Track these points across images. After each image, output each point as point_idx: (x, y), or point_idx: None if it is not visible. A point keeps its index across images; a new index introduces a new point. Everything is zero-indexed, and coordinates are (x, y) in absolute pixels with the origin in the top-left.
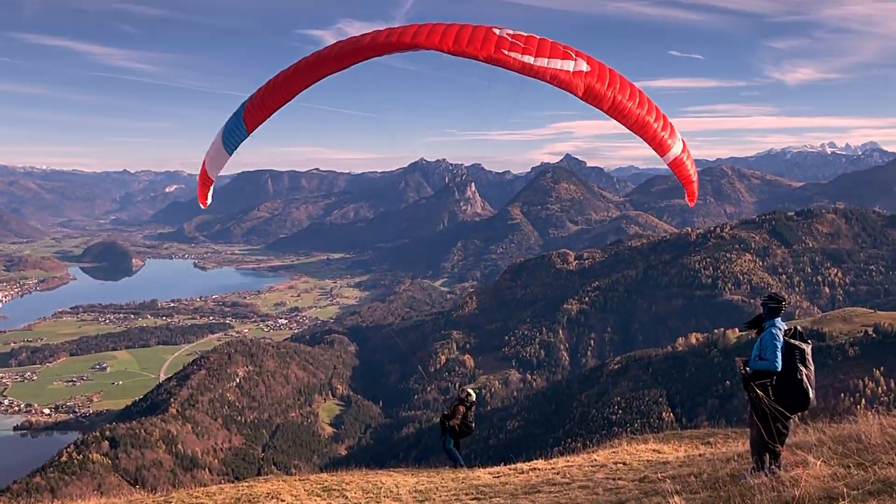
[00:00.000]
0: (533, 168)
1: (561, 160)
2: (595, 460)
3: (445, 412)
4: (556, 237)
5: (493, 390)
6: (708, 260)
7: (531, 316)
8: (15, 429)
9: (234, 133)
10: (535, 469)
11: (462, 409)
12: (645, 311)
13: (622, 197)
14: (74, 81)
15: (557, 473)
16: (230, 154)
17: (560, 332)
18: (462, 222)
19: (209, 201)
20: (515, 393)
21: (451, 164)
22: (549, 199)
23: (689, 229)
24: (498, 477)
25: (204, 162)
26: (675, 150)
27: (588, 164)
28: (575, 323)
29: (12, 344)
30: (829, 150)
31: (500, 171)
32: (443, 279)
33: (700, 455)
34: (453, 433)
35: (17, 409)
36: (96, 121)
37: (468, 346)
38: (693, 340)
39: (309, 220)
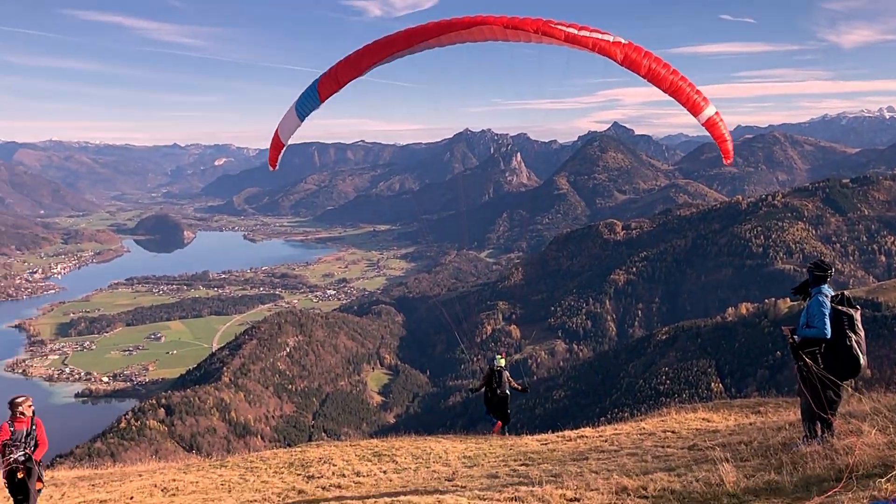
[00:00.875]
0: (580, 137)
1: (608, 129)
2: (643, 429)
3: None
4: (604, 207)
5: (539, 361)
6: (759, 229)
7: (577, 286)
8: (76, 396)
9: (307, 102)
10: (582, 437)
11: (490, 378)
12: (694, 280)
13: (671, 165)
14: (126, 57)
15: (605, 441)
16: (301, 121)
17: (607, 302)
18: (507, 193)
19: (277, 166)
20: (562, 363)
21: (497, 135)
22: (596, 168)
23: (740, 198)
24: (546, 444)
25: (277, 128)
26: (709, 111)
27: (636, 133)
28: (622, 293)
29: (71, 314)
30: (887, 115)
31: (546, 141)
32: (488, 250)
33: (750, 424)
34: (486, 401)
35: (77, 377)
36: (147, 95)
37: (514, 316)
38: (743, 310)
39: (355, 192)
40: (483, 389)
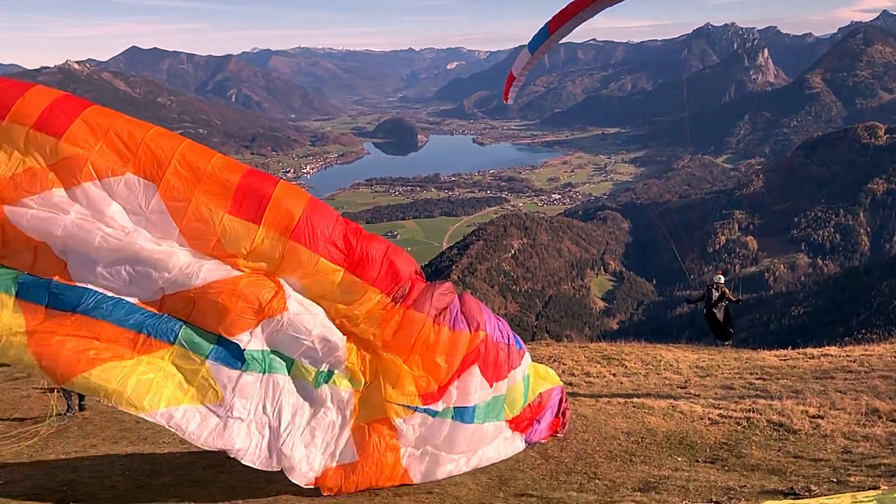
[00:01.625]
0: (840, 29)
1: (876, 18)
2: None
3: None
4: (864, 108)
5: (777, 274)
6: None
7: (826, 196)
8: None
9: (538, 37)
10: (826, 355)
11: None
12: None
13: None
14: None
15: (853, 361)
16: (532, 54)
17: (861, 214)
18: (751, 92)
19: (510, 100)
20: (803, 278)
21: (742, 29)
22: (857, 63)
23: None
24: (785, 360)
25: (513, 66)
26: None
27: None
28: (880, 205)
29: None
30: None
31: (799, 35)
32: (726, 155)
33: None
34: (706, 317)
35: None
36: (388, 1)
37: (751, 226)
38: None
39: (584, 94)
40: (700, 305)
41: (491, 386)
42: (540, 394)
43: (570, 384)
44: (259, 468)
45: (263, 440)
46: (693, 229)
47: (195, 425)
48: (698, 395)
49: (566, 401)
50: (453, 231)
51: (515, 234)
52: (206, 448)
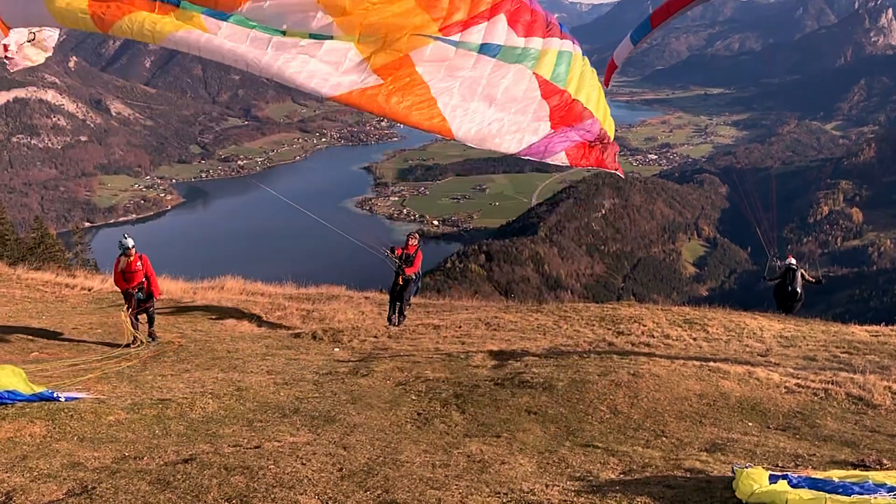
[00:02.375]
0: None
1: None
2: None
3: (769, 272)
4: None
5: (882, 249)
6: None
7: None
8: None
9: (641, 29)
10: None
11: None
12: None
13: None
14: None
15: None
16: (634, 46)
17: None
18: (870, 56)
19: (609, 85)
20: None
21: None
22: None
23: None
24: (876, 336)
25: (613, 54)
26: None
27: None
28: None
29: (410, 161)
30: None
31: None
32: (836, 122)
33: None
34: (775, 294)
35: (413, 218)
36: None
37: (858, 198)
38: None
39: (689, 52)
40: (777, 283)
41: (520, 36)
42: (578, 100)
43: (648, 345)
44: (257, 70)
45: (261, 53)
46: (773, 205)
47: (194, 38)
48: (778, 364)
49: (609, 140)
50: (543, 187)
51: (607, 194)
52: (208, 54)
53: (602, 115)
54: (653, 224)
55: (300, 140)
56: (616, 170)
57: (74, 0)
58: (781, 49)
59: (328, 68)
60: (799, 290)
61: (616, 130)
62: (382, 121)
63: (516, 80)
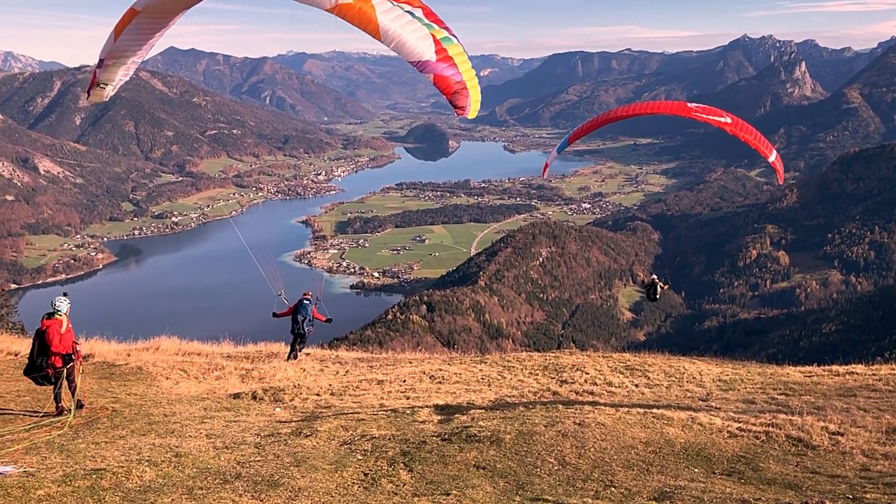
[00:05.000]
0: (880, 43)
1: None
2: None
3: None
4: None
5: (808, 290)
6: None
7: (862, 213)
8: (351, 287)
9: (563, 145)
10: (852, 373)
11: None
12: None
13: None
14: None
15: (879, 380)
16: (558, 153)
17: None
18: (787, 106)
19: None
20: (835, 295)
21: (779, 41)
22: None
23: None
24: (809, 376)
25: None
26: None
27: None
28: None
29: (349, 214)
30: None
31: (838, 49)
32: (760, 168)
33: None
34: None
35: (352, 270)
36: None
37: (783, 241)
38: None
39: (617, 104)
40: (648, 288)
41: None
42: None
43: (592, 393)
44: None
45: None
46: (723, 243)
47: None
48: (719, 408)
49: (466, 91)
50: (482, 237)
51: (544, 242)
52: None
53: (467, 76)
54: (589, 271)
55: (236, 195)
56: (461, 111)
57: None
58: (705, 100)
59: None
60: (658, 294)
61: (550, 181)
62: (320, 174)
63: (423, 31)
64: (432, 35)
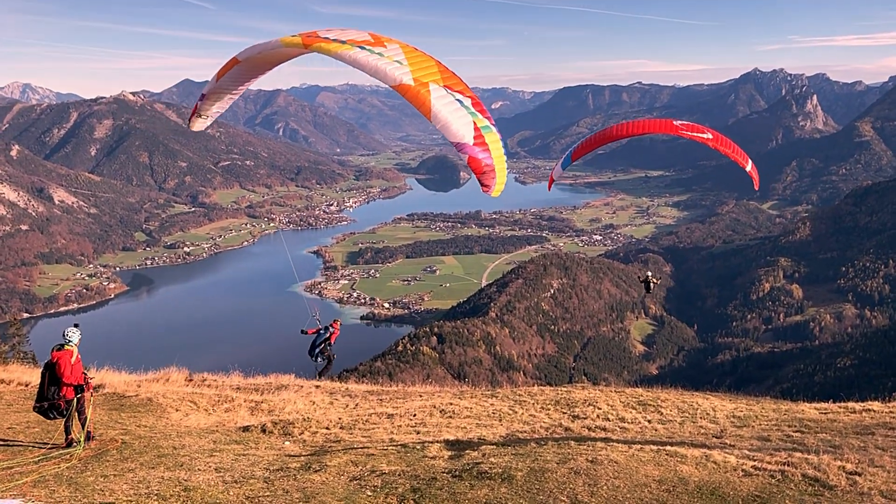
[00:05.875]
0: (891, 77)
1: None
2: None
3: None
4: None
5: (822, 324)
6: None
7: (876, 246)
8: (361, 318)
9: (566, 162)
10: (868, 410)
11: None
12: None
13: None
14: (419, 4)
15: None
16: (563, 170)
17: None
18: (799, 139)
19: (551, 189)
20: (850, 329)
21: (790, 75)
22: None
23: None
24: (825, 413)
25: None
26: None
27: None
28: None
29: (360, 244)
30: None
31: (849, 82)
32: (772, 201)
33: None
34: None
35: (363, 301)
36: (434, 41)
37: (797, 275)
38: None
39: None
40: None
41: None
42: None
43: (605, 429)
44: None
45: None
46: (736, 276)
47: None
48: (733, 446)
49: (493, 174)
50: (493, 268)
51: (555, 274)
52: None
53: (497, 162)
54: (601, 303)
55: (248, 225)
56: (486, 189)
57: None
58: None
59: (399, 70)
60: (652, 287)
61: (561, 212)
62: (332, 205)
63: (467, 118)
64: (474, 122)
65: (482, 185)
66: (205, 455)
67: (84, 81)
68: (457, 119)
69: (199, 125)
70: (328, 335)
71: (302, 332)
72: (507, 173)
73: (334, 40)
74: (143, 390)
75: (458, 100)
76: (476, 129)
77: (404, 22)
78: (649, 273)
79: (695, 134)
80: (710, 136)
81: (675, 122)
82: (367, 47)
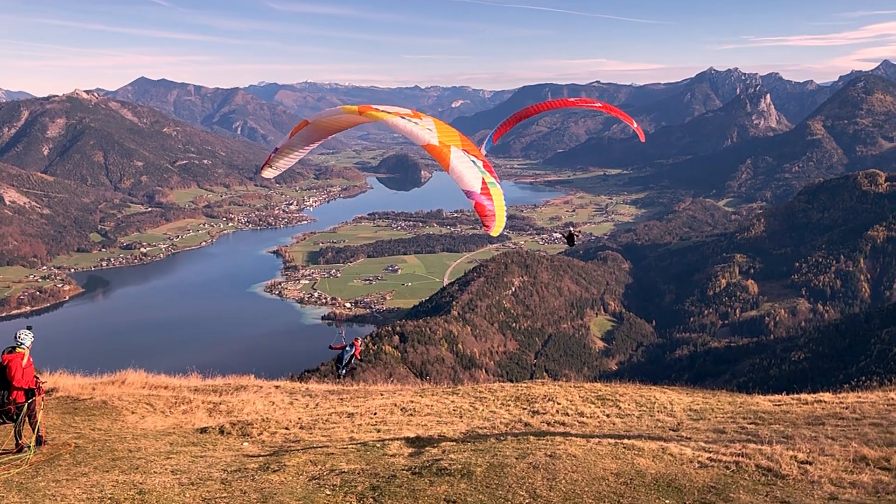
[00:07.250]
0: (841, 77)
1: (876, 68)
2: (892, 399)
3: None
4: (865, 155)
5: (777, 319)
6: None
7: (828, 242)
8: (322, 318)
9: (487, 144)
10: (820, 401)
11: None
12: None
13: None
14: (377, 1)
15: (846, 408)
16: (486, 151)
17: (861, 261)
18: (753, 138)
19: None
20: (803, 323)
21: (745, 74)
22: (858, 111)
23: None
24: (779, 405)
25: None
26: None
27: None
28: (880, 252)
29: (320, 244)
30: None
31: (801, 82)
32: (727, 199)
33: None
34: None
35: (324, 301)
36: (393, 39)
37: (752, 270)
38: None
39: (587, 135)
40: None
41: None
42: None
43: (564, 423)
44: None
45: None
46: (693, 272)
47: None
48: (689, 438)
49: (493, 218)
50: (454, 267)
51: (516, 272)
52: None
53: (498, 209)
54: (561, 300)
55: (206, 225)
56: (487, 229)
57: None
58: (674, 131)
59: (429, 135)
60: (575, 241)
61: (521, 210)
62: (292, 204)
63: (477, 174)
64: (483, 178)
65: (484, 225)
66: (161, 457)
67: (36, 79)
68: (469, 173)
69: (268, 174)
70: (353, 351)
71: (330, 347)
72: (504, 217)
73: (382, 111)
74: (97, 393)
75: (472, 160)
76: (483, 183)
77: (362, 20)
78: (571, 228)
79: (588, 104)
80: (600, 105)
81: (570, 99)
82: (407, 118)
